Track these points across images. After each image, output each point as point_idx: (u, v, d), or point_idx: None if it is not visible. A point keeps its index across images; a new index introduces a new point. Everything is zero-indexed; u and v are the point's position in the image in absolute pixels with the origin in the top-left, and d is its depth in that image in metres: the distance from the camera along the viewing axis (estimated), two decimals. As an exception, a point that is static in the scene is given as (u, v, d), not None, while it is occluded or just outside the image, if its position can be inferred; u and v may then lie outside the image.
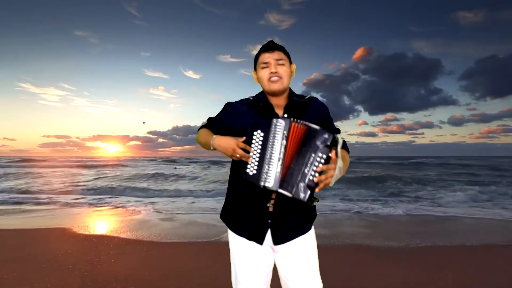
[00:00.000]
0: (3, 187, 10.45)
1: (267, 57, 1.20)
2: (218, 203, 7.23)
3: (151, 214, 5.96)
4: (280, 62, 1.20)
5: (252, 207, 1.17)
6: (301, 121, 1.06)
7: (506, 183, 11.31)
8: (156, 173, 16.09)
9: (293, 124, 1.05)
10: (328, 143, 1.02)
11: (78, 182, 12.26)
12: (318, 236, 1.31)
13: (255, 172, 1.06)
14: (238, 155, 1.11)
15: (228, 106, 1.28)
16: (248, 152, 1.11)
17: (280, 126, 1.05)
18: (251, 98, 1.26)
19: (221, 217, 1.31)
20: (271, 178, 1.04)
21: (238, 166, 1.21)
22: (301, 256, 1.19)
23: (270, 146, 1.05)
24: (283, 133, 1.04)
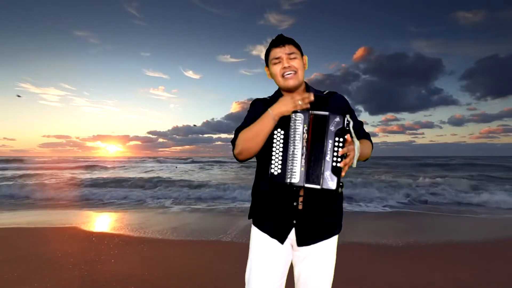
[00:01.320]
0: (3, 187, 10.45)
1: (278, 51, 1.16)
2: (218, 204, 7.23)
3: (151, 214, 5.95)
4: (292, 56, 1.16)
5: (278, 206, 1.15)
6: (317, 112, 1.04)
7: None
8: (158, 175, 16.07)
9: (311, 116, 1.04)
10: (341, 126, 1.02)
11: (78, 182, 12.25)
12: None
13: (279, 171, 1.05)
14: (300, 102, 1.05)
15: (253, 104, 1.26)
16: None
17: (299, 120, 1.04)
18: (268, 98, 1.24)
19: (249, 217, 1.28)
20: (296, 174, 1.03)
21: (262, 165, 1.20)
22: (320, 260, 1.16)
23: (292, 142, 1.04)
24: (303, 127, 1.04)
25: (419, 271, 2.93)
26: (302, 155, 1.03)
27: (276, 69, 1.17)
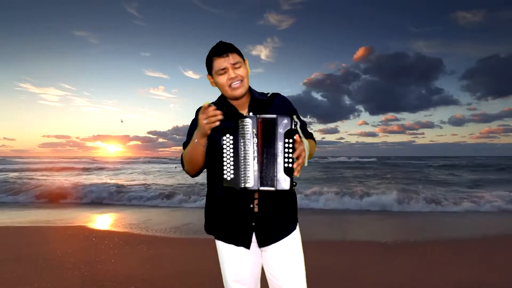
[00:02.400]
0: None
1: (222, 62, 1.14)
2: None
3: (151, 213, 5.95)
4: (237, 65, 1.15)
5: (235, 211, 1.17)
6: (265, 115, 1.05)
7: None
8: (158, 170, 16.06)
9: (259, 120, 1.04)
10: (289, 127, 1.03)
11: (79, 181, 12.26)
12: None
13: (232, 176, 1.06)
14: (205, 121, 1.04)
15: (193, 122, 1.26)
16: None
17: (248, 125, 1.04)
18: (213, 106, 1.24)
19: (205, 229, 1.29)
20: (250, 179, 1.04)
21: (213, 173, 1.20)
22: (287, 256, 1.19)
23: (242, 147, 1.05)
24: (252, 131, 1.04)
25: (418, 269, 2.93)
26: (254, 158, 1.04)
27: (222, 79, 1.16)
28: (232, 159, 1.06)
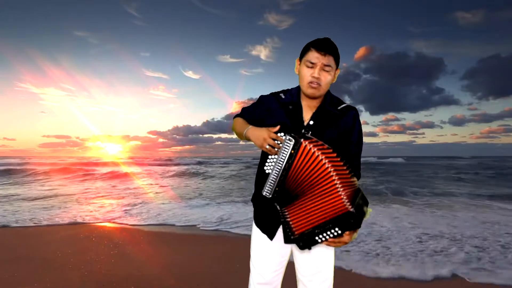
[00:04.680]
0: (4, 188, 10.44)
1: (316, 57, 1.13)
2: (219, 204, 7.23)
3: (151, 213, 5.95)
4: (327, 68, 1.14)
5: (267, 204, 1.23)
6: (315, 142, 1.03)
7: None
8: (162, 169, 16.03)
9: (303, 145, 1.03)
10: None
11: (79, 181, 12.26)
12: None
13: (270, 171, 1.12)
14: (267, 146, 1.11)
15: (260, 100, 1.30)
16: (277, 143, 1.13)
17: (288, 146, 1.05)
18: (283, 96, 1.26)
19: (251, 200, 1.36)
20: (269, 189, 1.09)
21: (260, 163, 1.26)
22: (318, 256, 1.23)
23: (278, 158, 1.08)
24: (290, 152, 1.04)
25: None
26: (279, 176, 1.07)
27: (306, 72, 1.16)
28: (275, 158, 1.12)
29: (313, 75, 1.14)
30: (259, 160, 1.30)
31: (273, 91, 1.31)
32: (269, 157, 1.12)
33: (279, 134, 1.11)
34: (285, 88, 1.32)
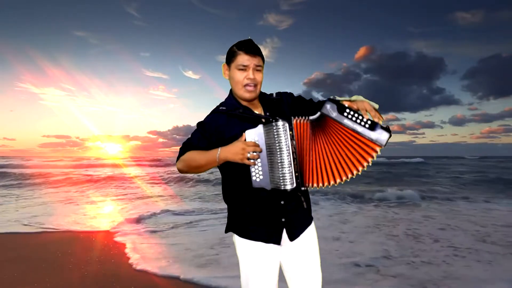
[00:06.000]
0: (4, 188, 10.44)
1: (247, 60, 1.13)
2: (218, 205, 7.23)
3: (151, 213, 5.95)
4: (258, 68, 1.15)
5: (266, 209, 1.16)
6: (301, 117, 1.09)
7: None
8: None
9: (295, 121, 1.07)
10: (335, 110, 1.05)
11: (79, 181, 12.26)
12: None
13: (261, 177, 1.09)
14: (249, 154, 1.06)
15: (203, 124, 1.20)
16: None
17: (283, 130, 1.04)
18: (223, 108, 1.20)
19: (229, 230, 1.24)
20: (288, 180, 1.04)
21: (238, 175, 1.16)
22: (309, 249, 1.22)
23: (277, 149, 1.04)
24: (289, 134, 1.05)
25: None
26: (292, 160, 1.05)
27: (240, 76, 1.15)
28: (260, 162, 1.09)
29: (248, 76, 1.14)
30: (221, 184, 1.25)
31: (209, 112, 1.24)
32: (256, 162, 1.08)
33: (256, 128, 1.10)
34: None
